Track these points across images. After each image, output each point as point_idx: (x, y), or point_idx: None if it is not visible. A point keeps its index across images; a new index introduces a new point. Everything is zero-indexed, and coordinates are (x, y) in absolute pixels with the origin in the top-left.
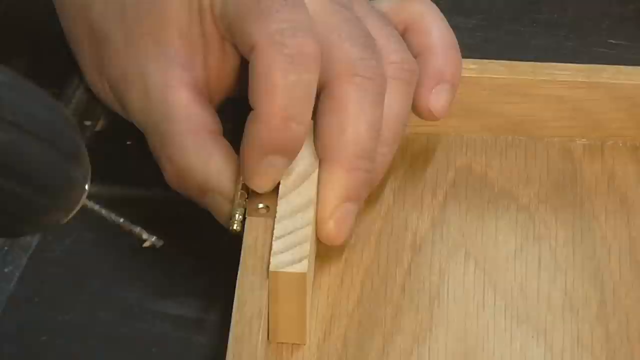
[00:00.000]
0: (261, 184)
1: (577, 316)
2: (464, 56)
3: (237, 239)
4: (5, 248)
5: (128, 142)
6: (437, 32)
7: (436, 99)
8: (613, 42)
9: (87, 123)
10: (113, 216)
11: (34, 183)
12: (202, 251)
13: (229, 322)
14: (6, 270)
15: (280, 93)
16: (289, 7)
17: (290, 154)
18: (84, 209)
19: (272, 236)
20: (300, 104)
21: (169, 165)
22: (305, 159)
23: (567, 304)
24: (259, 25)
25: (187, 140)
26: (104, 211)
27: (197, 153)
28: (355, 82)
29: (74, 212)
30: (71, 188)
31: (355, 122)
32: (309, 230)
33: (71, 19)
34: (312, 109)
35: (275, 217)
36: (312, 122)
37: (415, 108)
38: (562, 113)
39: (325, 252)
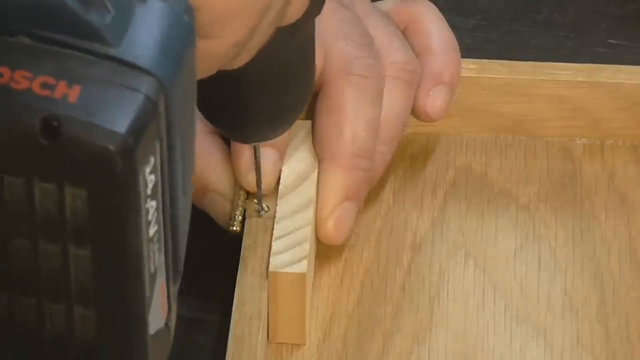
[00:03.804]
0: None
1: (577, 316)
2: (464, 56)
3: (237, 239)
4: None
5: None
6: (436, 33)
7: (433, 101)
8: (613, 42)
9: None
10: None
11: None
12: (202, 251)
13: (229, 322)
14: None
15: None
16: None
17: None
18: None
19: (271, 236)
20: None
21: None
22: (304, 159)
23: (567, 304)
24: None
25: None
26: None
27: (197, 154)
28: (352, 81)
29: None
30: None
31: (352, 121)
32: (308, 231)
33: None
34: None
35: (274, 217)
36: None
37: (413, 109)
38: (562, 113)
39: (325, 252)
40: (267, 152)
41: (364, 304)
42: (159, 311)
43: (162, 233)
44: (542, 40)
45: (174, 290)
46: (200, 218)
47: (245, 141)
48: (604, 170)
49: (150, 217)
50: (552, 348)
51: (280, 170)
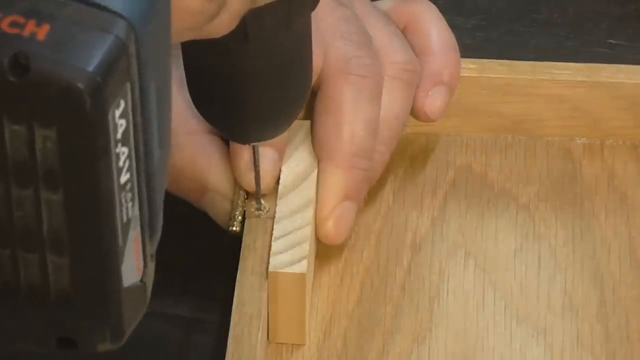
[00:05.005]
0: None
1: (577, 316)
2: (464, 56)
3: (236, 239)
4: None
5: None
6: (435, 33)
7: (432, 101)
8: (613, 42)
9: None
10: None
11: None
12: (202, 251)
13: (229, 322)
14: None
15: None
16: None
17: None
18: None
19: (271, 236)
20: None
21: None
22: (304, 159)
23: (567, 304)
24: None
25: (185, 141)
26: None
27: (196, 153)
28: (350, 81)
29: None
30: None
31: (351, 121)
32: (308, 231)
33: None
34: None
35: (274, 217)
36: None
37: (412, 109)
38: (562, 112)
39: (325, 252)
40: (267, 152)
41: (364, 304)
42: (133, 265)
43: (136, 183)
44: (542, 40)
45: (151, 250)
46: (200, 218)
47: (244, 141)
48: (603, 170)
49: (121, 164)
50: (552, 348)
51: (280, 170)
